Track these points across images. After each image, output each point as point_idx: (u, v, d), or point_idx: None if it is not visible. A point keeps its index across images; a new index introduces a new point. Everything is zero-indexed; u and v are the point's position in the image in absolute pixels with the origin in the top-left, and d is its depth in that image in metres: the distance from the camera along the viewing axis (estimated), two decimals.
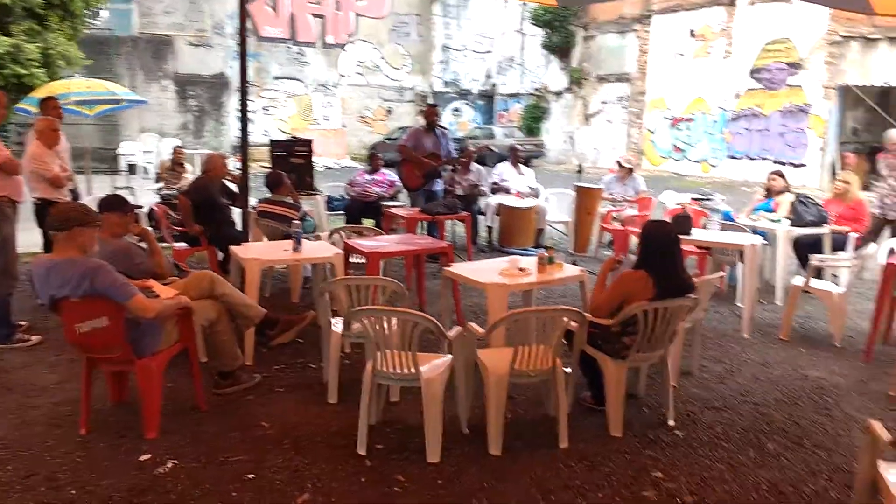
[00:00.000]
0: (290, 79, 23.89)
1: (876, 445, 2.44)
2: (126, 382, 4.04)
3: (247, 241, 6.09)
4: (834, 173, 16.78)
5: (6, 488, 3.09)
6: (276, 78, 23.55)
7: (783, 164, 17.52)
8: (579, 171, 8.10)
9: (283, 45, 23.64)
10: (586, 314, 3.58)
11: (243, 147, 5.67)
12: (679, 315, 3.60)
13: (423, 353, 3.52)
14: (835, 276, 6.52)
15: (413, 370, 3.35)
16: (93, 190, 10.26)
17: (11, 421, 3.79)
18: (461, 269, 4.53)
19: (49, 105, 6.30)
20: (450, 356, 3.60)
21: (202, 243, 6.43)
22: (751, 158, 18.65)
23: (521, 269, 4.27)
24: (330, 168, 21.11)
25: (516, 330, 3.49)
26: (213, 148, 21.91)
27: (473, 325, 3.67)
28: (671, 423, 3.78)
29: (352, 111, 25.07)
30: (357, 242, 5.35)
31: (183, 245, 6.53)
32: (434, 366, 3.47)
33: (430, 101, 26.02)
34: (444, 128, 8.21)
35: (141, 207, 5.20)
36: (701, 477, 3.23)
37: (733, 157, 19.13)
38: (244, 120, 5.55)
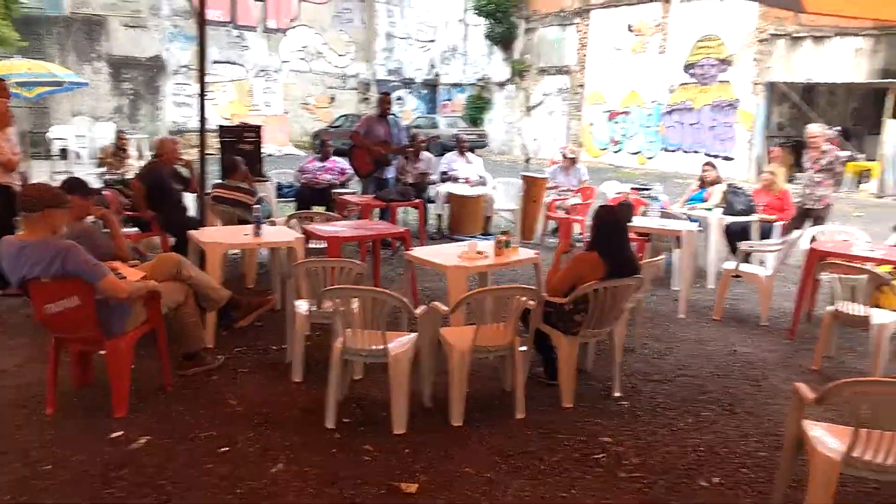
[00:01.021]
0: (231, 63, 23.45)
1: (801, 406, 2.77)
2: (91, 365, 4.08)
3: (201, 226, 6.13)
4: (760, 166, 17.69)
5: None
6: (216, 62, 23.05)
7: (714, 156, 18.31)
8: (527, 161, 8.39)
9: (223, 28, 23.15)
10: (542, 294, 3.84)
11: (201, 132, 5.70)
12: (626, 294, 3.90)
13: (388, 331, 3.70)
14: (761, 261, 6.99)
15: (382, 347, 3.53)
16: (31, 176, 9.96)
17: None
18: (421, 252, 4.72)
19: None
20: (414, 334, 3.79)
21: (154, 228, 6.43)
22: (684, 151, 19.42)
23: (479, 253, 4.49)
24: (271, 155, 20.87)
25: (477, 309, 3.71)
26: (150, 133, 21.38)
27: (437, 304, 3.88)
28: (617, 394, 4.08)
29: (294, 98, 24.80)
30: (316, 228, 5.47)
31: (134, 230, 6.51)
32: (400, 343, 3.66)
33: (373, 89, 25.99)
34: (397, 116, 8.36)
35: (100, 191, 5.18)
36: (645, 441, 3.54)
37: (667, 150, 19.88)
38: (202, 105, 5.58)
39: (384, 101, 8.26)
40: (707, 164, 7.95)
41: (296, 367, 4.21)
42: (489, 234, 8.87)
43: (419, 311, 3.73)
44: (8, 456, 3.23)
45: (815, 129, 7.89)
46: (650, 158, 20.23)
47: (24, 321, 5.21)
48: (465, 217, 8.80)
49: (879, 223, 11.15)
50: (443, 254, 4.66)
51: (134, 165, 9.69)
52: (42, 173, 10.16)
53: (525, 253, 4.70)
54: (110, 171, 9.64)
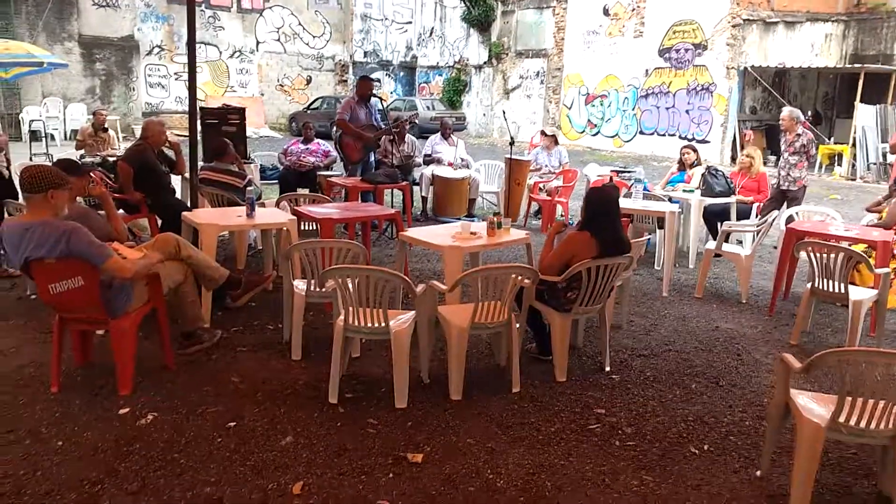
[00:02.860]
0: (204, 44, 23.10)
1: (787, 375, 2.93)
2: (91, 343, 4.13)
3: (189, 208, 6.14)
4: (735, 149, 18.01)
5: None
6: None
7: (689, 139, 18.58)
8: (511, 144, 8.49)
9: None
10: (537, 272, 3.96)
11: (191, 114, 5.69)
12: (617, 272, 4.04)
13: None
14: (739, 241, 7.20)
15: (384, 324, 3.63)
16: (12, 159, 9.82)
17: None
18: (416, 233, 4.81)
19: None
20: (412, 312, 3.90)
21: (142, 210, 6.43)
22: (660, 134, 19.67)
23: (472, 233, 4.60)
24: (248, 137, 20.68)
25: (473, 287, 3.82)
26: (123, 114, 21.07)
27: (436, 282, 3.98)
28: (607, 368, 4.24)
29: (270, 79, 24.56)
30: (308, 209, 5.53)
31: (121, 212, 6.49)
32: (400, 320, 3.77)
33: (351, 71, 25.83)
34: (379, 97, 8.39)
35: (90, 172, 5.17)
36: (637, 412, 3.70)
37: (643, 133, 20.11)
38: (193, 87, 5.57)
39: (364, 84, 8.25)
40: (687, 146, 8.13)
41: (295, 345, 4.30)
42: (473, 217, 8.98)
43: (419, 289, 3.83)
44: (19, 433, 3.28)
45: (786, 113, 8.11)
46: (627, 141, 20.46)
47: (16, 304, 5.22)
48: (450, 199, 8.88)
49: (851, 205, 11.51)
50: (436, 234, 4.76)
51: (117, 146, 9.58)
52: (21, 155, 9.99)
53: (516, 233, 4.83)
54: (90, 152, 9.53)
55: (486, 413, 3.64)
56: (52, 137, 16.48)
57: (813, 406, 2.85)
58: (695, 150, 8.04)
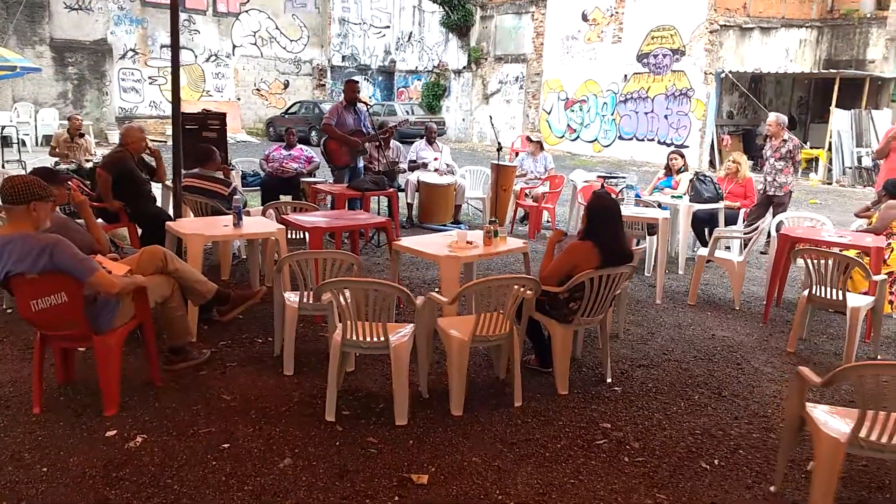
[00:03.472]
0: (180, 48, 22.77)
1: (804, 388, 2.87)
2: (73, 362, 3.95)
3: (170, 217, 5.96)
4: (713, 154, 18.15)
5: None
6: (164, 46, 22.35)
7: (668, 144, 18.69)
8: (499, 150, 8.40)
9: (169, 10, 22.43)
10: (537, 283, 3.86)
11: (174, 119, 5.51)
12: (620, 282, 3.96)
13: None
14: (727, 247, 7.19)
15: (383, 338, 3.51)
16: None
17: None
18: (410, 242, 4.69)
19: None
20: (411, 325, 3.78)
21: (122, 219, 6.23)
22: (638, 139, 19.76)
23: (468, 243, 4.49)
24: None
25: (472, 299, 3.73)
26: (95, 119, 20.67)
27: (435, 294, 3.87)
28: (609, 380, 4.16)
29: (246, 83, 24.26)
30: (296, 218, 5.39)
31: (99, 221, 6.28)
32: (400, 334, 3.65)
33: (329, 75, 25.63)
34: (366, 103, 8.26)
35: (69, 181, 4.98)
36: (643, 426, 3.62)
37: (622, 138, 20.19)
38: (176, 90, 5.39)
39: (351, 89, 8.13)
40: (674, 152, 8.11)
41: (287, 360, 4.16)
42: (460, 223, 8.88)
43: (418, 301, 3.72)
44: (0, 459, 3.10)
45: (772, 119, 8.15)
46: (606, 146, 20.51)
47: None
48: (436, 206, 8.78)
49: (831, 209, 11.61)
50: (431, 244, 4.64)
51: (92, 152, 9.32)
52: None
53: (513, 242, 4.73)
54: (65, 160, 9.25)
55: (489, 429, 3.53)
56: (24, 143, 16.09)
57: (831, 421, 2.78)
58: (682, 156, 8.03)
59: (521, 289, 3.65)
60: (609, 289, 3.90)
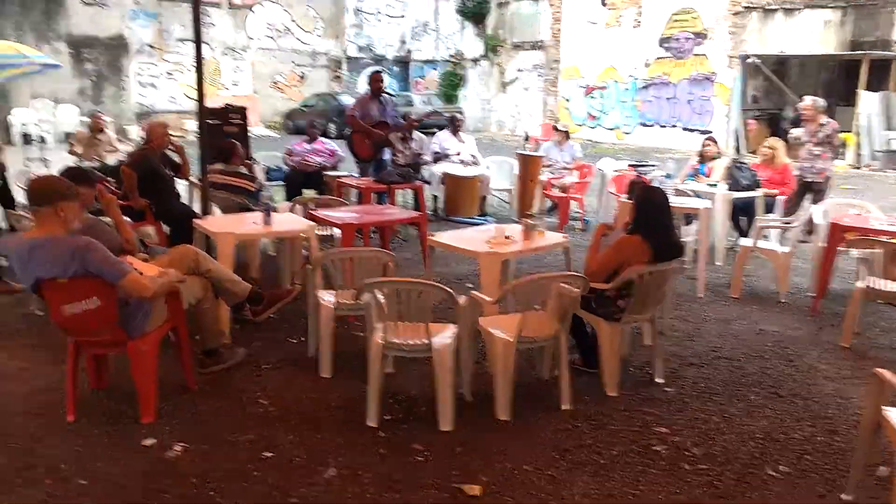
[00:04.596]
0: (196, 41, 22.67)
1: (882, 392, 2.68)
2: (106, 367, 3.84)
3: (196, 214, 5.84)
4: (738, 139, 17.79)
5: (6, 484, 2.91)
6: (180, 40, 22.29)
7: (692, 130, 18.39)
8: (526, 140, 8.20)
9: (185, 4, 22.32)
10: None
11: (200, 114, 5.38)
12: (671, 278, 3.78)
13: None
14: (765, 236, 6.96)
15: (426, 341, 3.36)
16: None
17: None
18: (446, 238, 4.53)
19: None
20: (453, 326, 3.63)
21: (148, 218, 6.13)
22: (661, 126, 19.44)
23: (507, 237, 4.33)
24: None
25: (517, 297, 3.56)
26: (114, 115, 20.64)
27: (477, 293, 3.72)
28: (659, 380, 3.98)
29: (263, 76, 24.15)
30: (325, 214, 5.25)
31: (126, 220, 6.18)
32: (443, 335, 3.50)
33: (345, 66, 25.45)
34: (391, 94, 8.10)
35: (104, 180, 4.88)
36: (701, 430, 3.44)
37: (644, 125, 19.87)
38: (200, 84, 5.26)
39: (376, 80, 8.00)
40: (708, 138, 7.88)
41: (324, 362, 4.03)
42: (486, 215, 8.72)
43: (461, 301, 3.56)
44: (37, 471, 3.00)
45: (808, 102, 7.87)
46: (627, 133, 20.21)
47: (20, 319, 4.93)
48: (461, 198, 8.61)
49: (862, 194, 11.29)
50: (469, 239, 4.48)
51: (116, 150, 9.21)
52: (14, 160, 9.62)
53: (553, 237, 4.56)
54: (86, 157, 9.15)
55: (538, 435, 3.38)
56: (44, 140, 16.09)
57: None
58: (715, 142, 7.80)
59: (569, 287, 3.48)
60: (659, 285, 3.72)
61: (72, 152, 9.61)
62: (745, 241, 5.91)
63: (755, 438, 3.36)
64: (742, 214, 7.14)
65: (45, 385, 3.83)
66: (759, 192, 6.98)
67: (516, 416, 3.52)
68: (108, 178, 7.23)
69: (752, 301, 5.57)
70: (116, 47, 21.39)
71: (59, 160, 10.55)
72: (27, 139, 15.53)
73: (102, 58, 21.16)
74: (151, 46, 22.02)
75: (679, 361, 4.30)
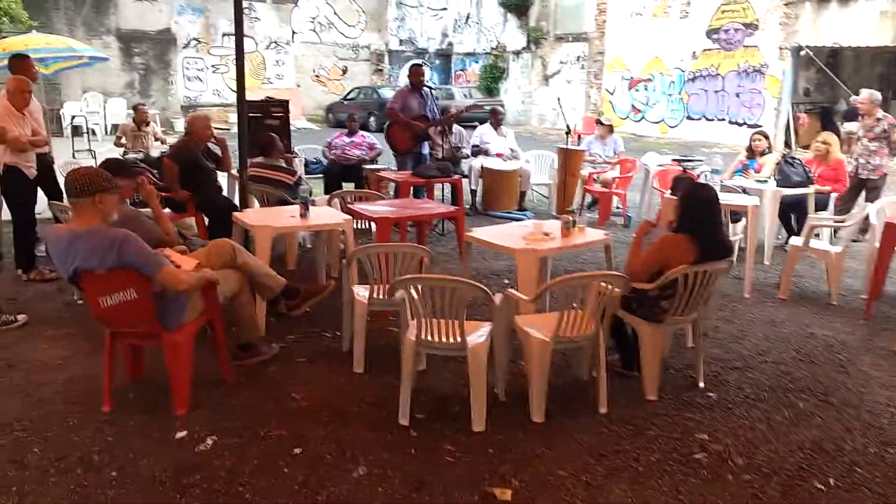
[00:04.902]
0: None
1: None
2: (142, 358, 3.86)
3: (236, 207, 5.87)
4: (788, 134, 17.25)
5: (40, 474, 2.93)
6: (226, 35, 22.59)
7: (740, 124, 17.90)
8: (568, 133, 8.04)
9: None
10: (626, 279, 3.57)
11: (240, 107, 5.39)
12: (717, 278, 3.64)
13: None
14: (816, 235, 6.70)
15: (460, 339, 3.29)
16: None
17: (24, 400, 3.60)
18: (483, 234, 4.44)
19: (21, 64, 5.83)
20: (488, 324, 3.55)
21: (188, 209, 6.18)
22: (708, 119, 18.97)
23: (545, 234, 4.23)
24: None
25: (557, 296, 3.47)
26: (161, 108, 21.04)
27: (513, 291, 3.63)
28: (701, 384, 3.84)
29: (305, 70, 24.34)
30: (362, 207, 5.21)
31: (167, 211, 6.26)
32: (477, 334, 3.42)
33: (387, 60, 25.48)
34: (431, 87, 8.04)
35: (146, 172, 4.92)
36: (744, 438, 3.30)
37: (690, 118, 19.42)
38: (241, 77, 5.27)
39: (416, 73, 7.94)
40: (757, 133, 7.61)
41: (357, 357, 3.99)
42: (525, 210, 8.60)
43: (497, 299, 3.48)
44: (70, 461, 3.02)
45: (865, 96, 7.55)
46: (673, 127, 19.78)
47: (61, 309, 5.02)
48: (500, 192, 8.51)
49: None
50: (505, 235, 4.39)
51: (160, 138, 9.35)
52: (63, 152, 9.86)
53: (593, 234, 4.44)
54: (132, 149, 9.32)
55: (573, 438, 3.28)
56: (94, 132, 16.46)
57: None
58: (766, 137, 7.54)
59: (610, 287, 3.37)
60: (704, 285, 3.58)
61: (118, 144, 9.81)
62: (796, 240, 5.68)
63: (803, 449, 3.20)
64: (792, 212, 6.89)
65: (82, 374, 3.88)
66: (811, 189, 6.72)
67: (551, 418, 3.43)
68: (152, 170, 7.38)
69: (801, 303, 5.36)
70: (164, 42, 21.80)
71: (105, 152, 10.78)
72: (77, 131, 15.88)
73: (151, 52, 21.60)
74: (198, 41, 22.37)
75: (723, 365, 4.14)
